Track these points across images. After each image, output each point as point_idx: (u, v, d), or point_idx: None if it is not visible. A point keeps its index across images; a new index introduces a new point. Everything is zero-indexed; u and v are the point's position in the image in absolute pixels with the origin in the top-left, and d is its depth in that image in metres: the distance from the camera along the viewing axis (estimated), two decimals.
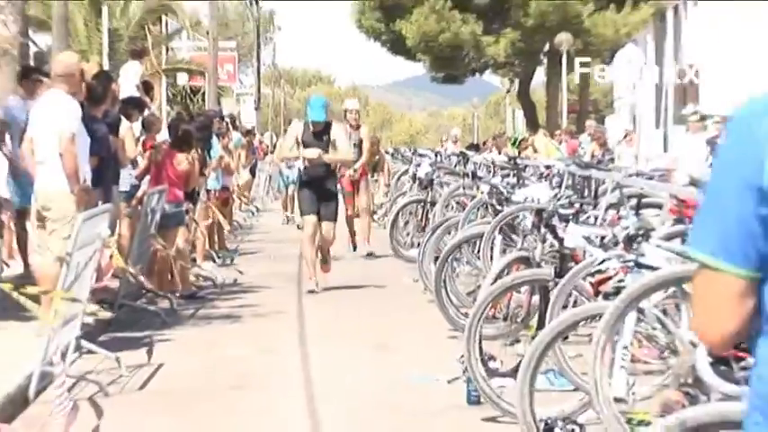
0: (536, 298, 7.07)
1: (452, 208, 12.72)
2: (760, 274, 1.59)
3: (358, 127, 13.76)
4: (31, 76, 10.32)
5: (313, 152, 10.11)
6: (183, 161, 10.95)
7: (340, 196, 13.20)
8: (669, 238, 6.84)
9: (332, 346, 8.55)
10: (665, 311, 5.87)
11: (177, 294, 10.53)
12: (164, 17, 28.15)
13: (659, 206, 9.15)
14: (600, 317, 5.48)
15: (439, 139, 37.64)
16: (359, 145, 13.42)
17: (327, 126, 10.15)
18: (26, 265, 10.12)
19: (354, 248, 14.38)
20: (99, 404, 6.61)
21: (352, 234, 14.30)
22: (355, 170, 13.37)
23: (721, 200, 1.60)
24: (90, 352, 7.49)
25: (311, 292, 11.57)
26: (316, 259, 11.52)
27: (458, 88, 43.68)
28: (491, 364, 6.83)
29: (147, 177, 10.75)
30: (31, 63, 12.79)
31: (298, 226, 14.52)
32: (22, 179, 9.38)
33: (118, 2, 25.37)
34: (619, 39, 32.71)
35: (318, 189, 10.15)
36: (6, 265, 9.84)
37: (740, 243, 1.63)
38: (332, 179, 10.64)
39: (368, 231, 14.24)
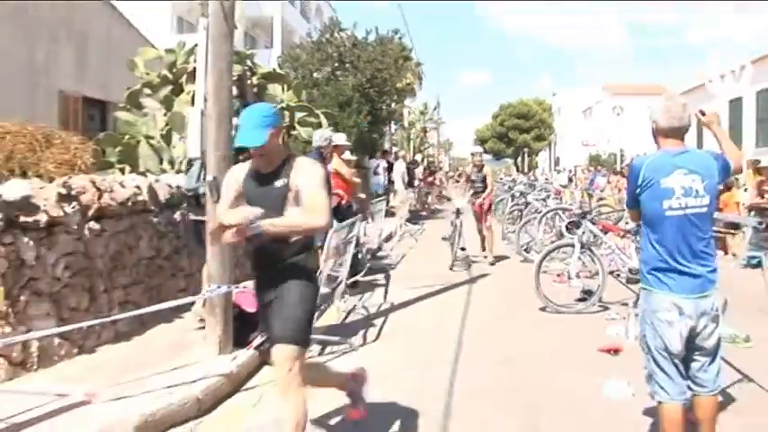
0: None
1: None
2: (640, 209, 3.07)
3: (482, 167, 12.58)
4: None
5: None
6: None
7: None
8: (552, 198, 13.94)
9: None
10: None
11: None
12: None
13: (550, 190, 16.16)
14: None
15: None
16: (483, 180, 12.28)
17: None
18: None
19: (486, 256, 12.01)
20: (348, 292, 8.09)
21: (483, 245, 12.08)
22: (484, 198, 12.07)
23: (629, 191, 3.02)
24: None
25: None
26: None
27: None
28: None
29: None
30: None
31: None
32: None
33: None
34: (540, 150, 68.66)
35: None
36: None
37: (632, 200, 3.28)
38: None
39: (492, 244, 12.27)
